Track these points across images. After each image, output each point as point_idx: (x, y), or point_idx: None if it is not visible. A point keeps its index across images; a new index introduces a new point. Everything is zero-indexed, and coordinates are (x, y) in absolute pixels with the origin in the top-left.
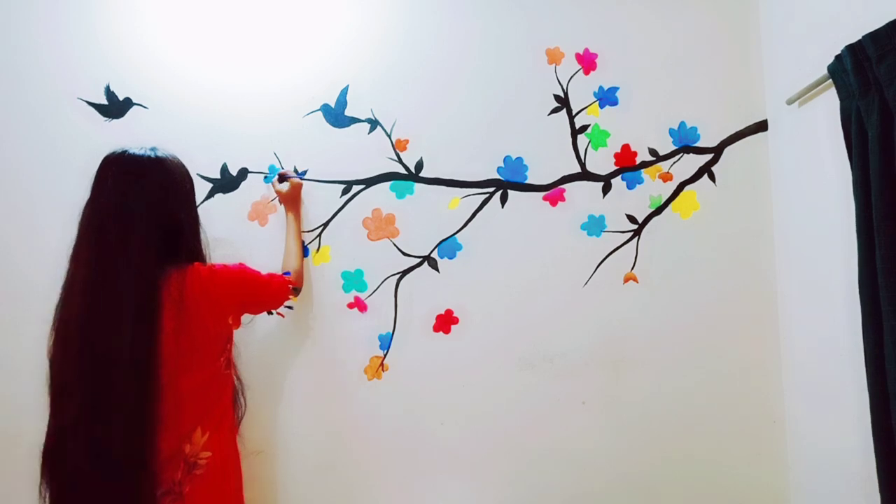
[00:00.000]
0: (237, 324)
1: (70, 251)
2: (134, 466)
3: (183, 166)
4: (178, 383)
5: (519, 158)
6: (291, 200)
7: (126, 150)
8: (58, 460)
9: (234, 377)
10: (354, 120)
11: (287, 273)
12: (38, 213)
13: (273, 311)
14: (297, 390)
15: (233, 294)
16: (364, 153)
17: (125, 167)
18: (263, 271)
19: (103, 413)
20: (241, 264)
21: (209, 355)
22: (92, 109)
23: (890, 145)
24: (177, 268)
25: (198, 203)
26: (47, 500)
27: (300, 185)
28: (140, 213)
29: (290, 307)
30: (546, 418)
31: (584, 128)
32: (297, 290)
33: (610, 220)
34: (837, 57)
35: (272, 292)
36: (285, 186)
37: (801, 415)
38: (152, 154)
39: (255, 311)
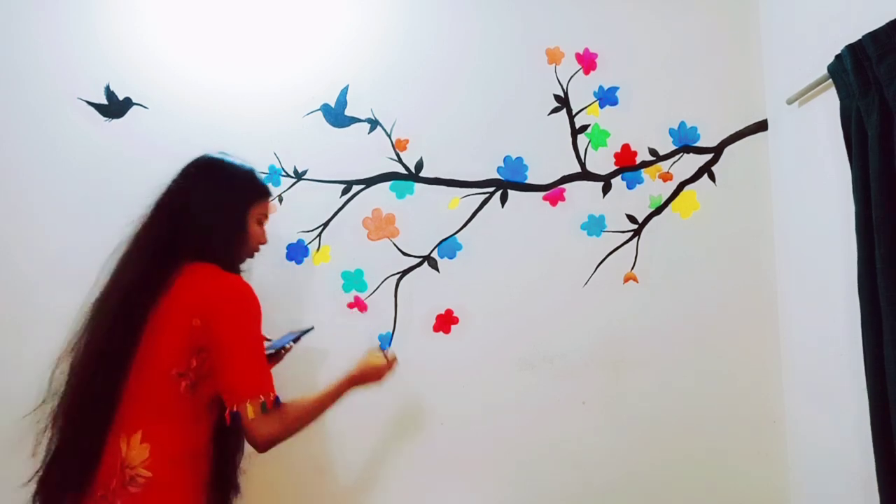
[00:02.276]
0: (198, 358)
1: None
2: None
3: (243, 176)
4: (134, 376)
5: (519, 158)
6: (368, 378)
7: (206, 154)
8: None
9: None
10: (354, 120)
11: (278, 399)
12: (38, 213)
13: (230, 410)
14: (296, 390)
15: (210, 333)
16: (364, 153)
17: (184, 168)
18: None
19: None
20: (261, 336)
21: (163, 365)
22: (92, 109)
23: (890, 145)
24: (193, 265)
25: None
26: None
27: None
28: (166, 210)
29: (246, 437)
30: (546, 418)
31: (584, 128)
32: (265, 409)
33: (610, 220)
34: (837, 57)
35: (241, 377)
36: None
37: (801, 415)
38: (211, 156)
39: (216, 383)
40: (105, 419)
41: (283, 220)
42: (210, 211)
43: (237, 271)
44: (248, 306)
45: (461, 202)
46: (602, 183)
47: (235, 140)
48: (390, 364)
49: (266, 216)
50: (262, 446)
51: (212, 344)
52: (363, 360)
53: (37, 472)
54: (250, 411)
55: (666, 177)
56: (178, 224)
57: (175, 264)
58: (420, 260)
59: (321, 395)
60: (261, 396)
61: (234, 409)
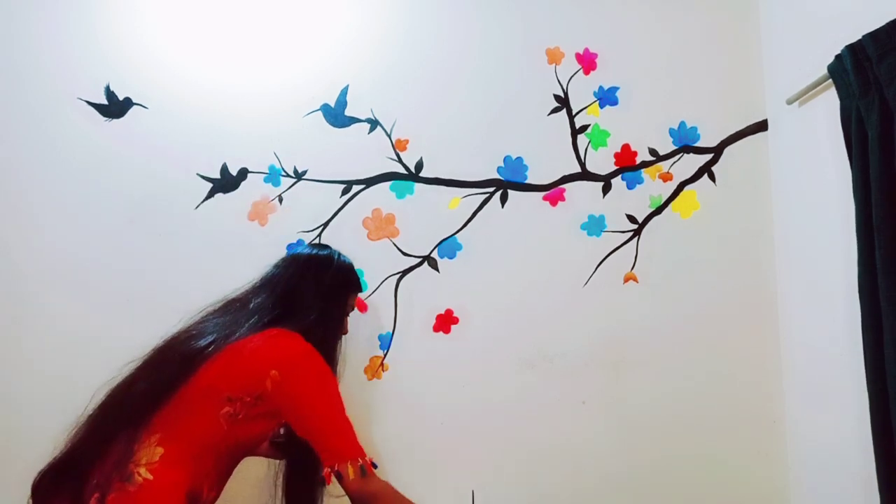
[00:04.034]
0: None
1: None
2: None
3: (341, 268)
4: (187, 386)
5: (519, 158)
6: None
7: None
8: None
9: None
10: (354, 120)
11: (374, 463)
12: (38, 213)
13: (329, 469)
14: None
15: (293, 390)
16: (364, 153)
17: (294, 259)
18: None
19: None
20: (340, 396)
21: (220, 384)
22: (92, 109)
23: (890, 145)
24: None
25: (198, 205)
26: None
27: None
28: (266, 286)
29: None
30: (546, 418)
31: (584, 128)
32: (364, 472)
33: (610, 220)
34: (837, 57)
35: (340, 439)
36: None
37: (801, 415)
38: (304, 250)
39: (307, 438)
40: (136, 418)
41: (283, 221)
42: (318, 296)
43: (334, 357)
44: (330, 372)
45: (461, 202)
46: (602, 183)
47: (235, 140)
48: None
49: (353, 308)
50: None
51: (297, 401)
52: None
53: (44, 467)
54: (351, 472)
55: (666, 177)
56: (285, 299)
57: (262, 327)
58: (420, 260)
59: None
60: (359, 459)
61: (336, 468)
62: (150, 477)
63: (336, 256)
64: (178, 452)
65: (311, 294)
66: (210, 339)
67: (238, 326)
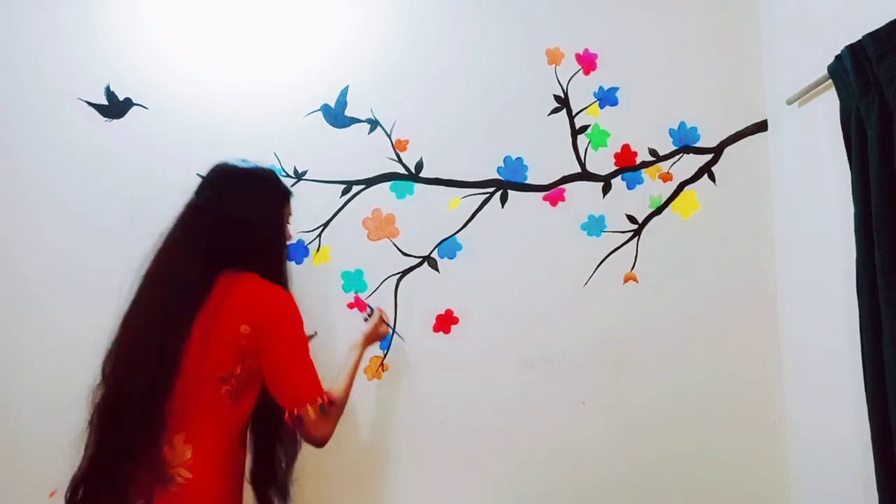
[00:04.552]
0: (246, 369)
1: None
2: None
3: (271, 180)
4: (181, 380)
5: (519, 158)
6: (371, 339)
7: (224, 162)
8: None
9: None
10: (354, 120)
11: (331, 400)
12: (38, 213)
13: (284, 416)
14: None
15: (261, 340)
16: (364, 153)
17: (209, 179)
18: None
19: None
20: (305, 338)
21: (207, 368)
22: (92, 109)
23: (890, 145)
24: (235, 273)
25: None
26: None
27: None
28: (203, 215)
29: (303, 436)
30: (546, 418)
31: (584, 128)
32: (323, 409)
33: (610, 220)
34: (837, 57)
35: (298, 382)
36: (371, 324)
37: (801, 415)
38: (233, 163)
39: (269, 387)
40: (150, 423)
41: None
42: (255, 218)
43: (285, 274)
44: (296, 314)
45: (461, 202)
46: (602, 183)
47: (235, 140)
48: (383, 319)
49: (290, 214)
50: (323, 443)
51: (264, 350)
52: (366, 333)
53: (74, 478)
54: (311, 413)
55: (666, 177)
56: (221, 234)
57: (215, 274)
58: (420, 260)
59: (348, 379)
60: (318, 399)
61: (296, 412)
62: (189, 475)
63: (255, 168)
64: (206, 444)
65: (251, 221)
66: (175, 322)
67: (191, 288)
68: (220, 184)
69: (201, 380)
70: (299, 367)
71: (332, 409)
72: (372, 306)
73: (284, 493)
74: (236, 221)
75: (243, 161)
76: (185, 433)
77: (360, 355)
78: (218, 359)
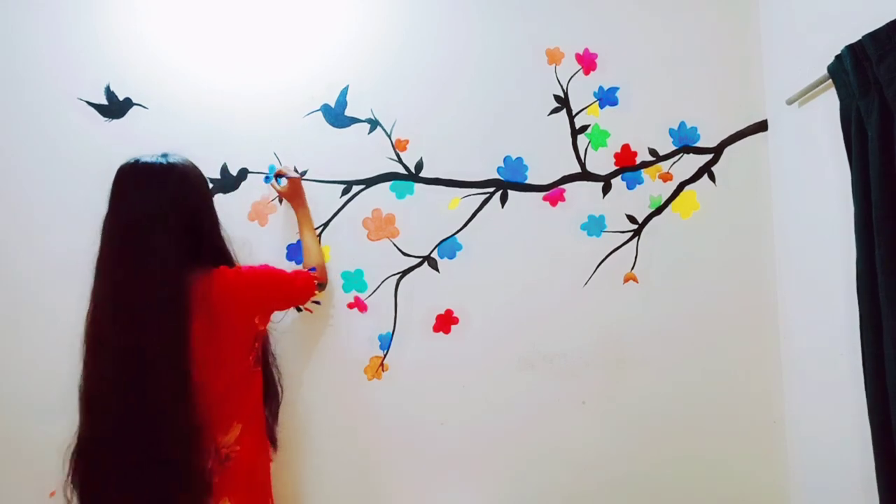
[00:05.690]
0: (264, 323)
1: (94, 266)
2: (187, 470)
3: (196, 168)
4: (214, 384)
5: (519, 158)
6: (295, 197)
7: (139, 160)
8: (93, 466)
9: (272, 369)
10: (354, 120)
11: (312, 269)
12: (38, 214)
13: (301, 308)
14: (296, 391)
15: (258, 295)
16: (364, 153)
17: (139, 176)
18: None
19: (144, 420)
20: (265, 265)
21: (239, 354)
22: (92, 109)
23: (890, 145)
24: (203, 271)
25: None
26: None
27: (299, 181)
28: (160, 220)
29: (317, 302)
30: (546, 418)
31: (584, 128)
32: (321, 286)
33: (610, 220)
34: (837, 57)
35: (298, 289)
36: (284, 184)
37: (801, 415)
38: (164, 161)
39: (282, 308)
40: (196, 437)
41: (282, 221)
42: (207, 212)
43: (226, 249)
44: (258, 268)
45: (461, 202)
46: (602, 183)
47: (235, 140)
48: (295, 182)
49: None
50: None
51: (265, 305)
52: (285, 195)
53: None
54: (319, 294)
55: (666, 177)
56: (191, 233)
57: (190, 271)
58: (420, 260)
59: (312, 241)
60: (314, 284)
61: (308, 304)
62: (238, 448)
63: (184, 164)
64: (247, 415)
65: (207, 215)
66: (166, 334)
67: (178, 297)
68: (169, 181)
69: (238, 370)
70: (290, 283)
71: (321, 271)
72: (297, 174)
73: (273, 441)
74: (202, 217)
75: (151, 156)
76: (237, 419)
77: (303, 214)
78: (245, 349)
